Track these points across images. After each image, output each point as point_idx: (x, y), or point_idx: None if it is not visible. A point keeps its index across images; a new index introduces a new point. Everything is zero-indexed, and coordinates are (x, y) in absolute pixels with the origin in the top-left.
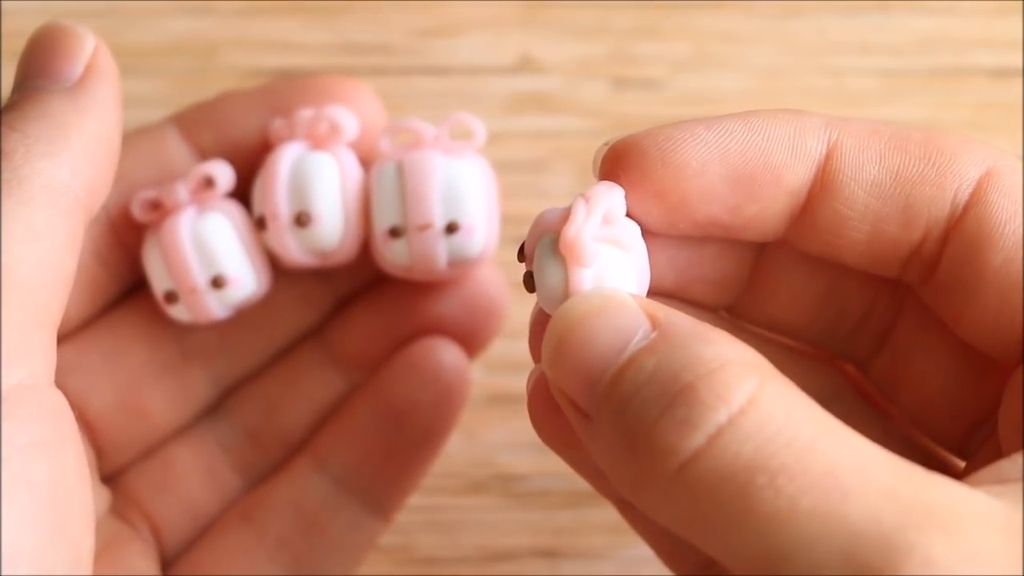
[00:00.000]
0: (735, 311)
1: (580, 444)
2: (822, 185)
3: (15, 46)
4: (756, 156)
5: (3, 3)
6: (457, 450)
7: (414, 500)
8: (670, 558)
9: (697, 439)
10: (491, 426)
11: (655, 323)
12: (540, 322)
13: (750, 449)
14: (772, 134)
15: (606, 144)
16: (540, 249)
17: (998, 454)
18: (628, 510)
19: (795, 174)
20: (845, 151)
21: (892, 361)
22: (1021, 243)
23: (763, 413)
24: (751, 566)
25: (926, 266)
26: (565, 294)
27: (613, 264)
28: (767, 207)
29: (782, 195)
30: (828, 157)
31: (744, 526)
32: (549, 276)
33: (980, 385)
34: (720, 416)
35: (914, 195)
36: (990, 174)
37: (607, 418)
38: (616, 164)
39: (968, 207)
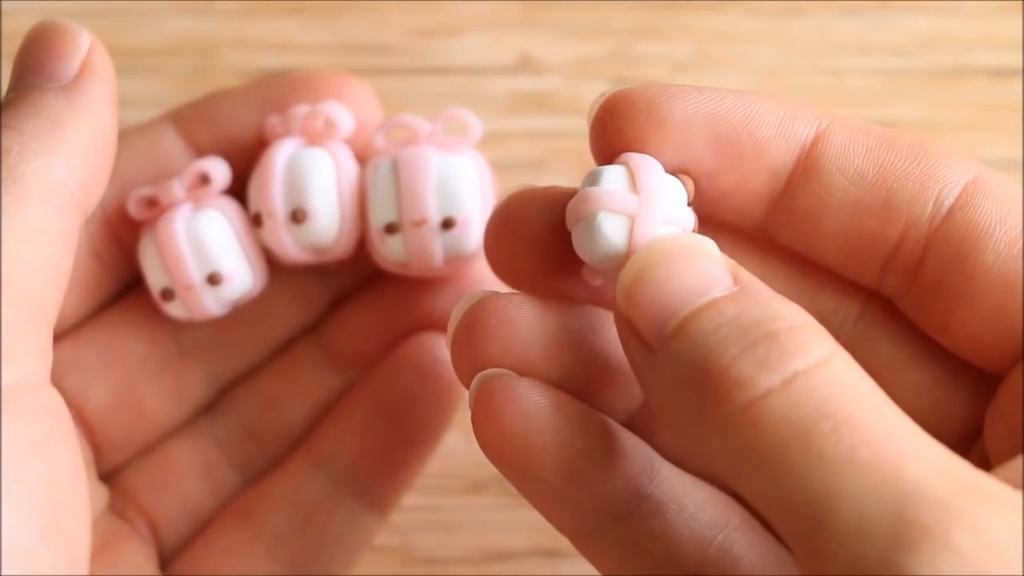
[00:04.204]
0: None
1: (529, 459)
2: (804, 169)
3: (14, 46)
4: (741, 126)
5: (3, 3)
6: (457, 450)
7: (414, 500)
8: None
9: (772, 379)
10: None
11: (737, 280)
12: (464, 330)
13: (820, 398)
14: (762, 111)
15: (602, 95)
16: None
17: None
18: (586, 544)
19: (778, 152)
20: (832, 139)
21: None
22: (1013, 245)
23: (837, 371)
24: (796, 511)
25: (906, 271)
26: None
27: None
28: (745, 182)
29: (762, 171)
30: (814, 143)
31: (799, 467)
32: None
33: (961, 401)
34: (798, 363)
35: (896, 190)
36: (977, 181)
37: (676, 350)
38: (607, 111)
39: (953, 210)
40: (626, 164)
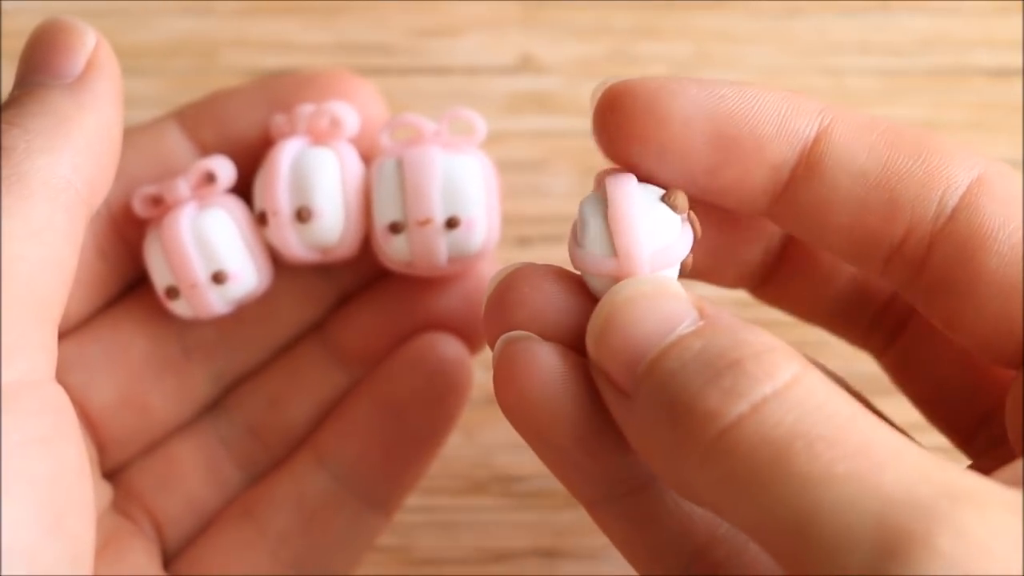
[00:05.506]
0: (758, 294)
1: (546, 424)
2: (807, 166)
3: (15, 46)
4: (742, 122)
5: (3, 3)
6: (457, 450)
7: (414, 500)
8: (644, 565)
9: (741, 406)
10: (491, 426)
11: (703, 314)
12: (498, 295)
13: (791, 419)
14: (763, 106)
15: (604, 83)
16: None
17: (1007, 457)
18: (598, 512)
19: (779, 149)
20: (835, 137)
21: (904, 349)
22: (1016, 248)
23: (806, 390)
24: (780, 531)
25: (910, 268)
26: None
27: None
28: (746, 176)
29: (763, 167)
30: (817, 140)
31: (778, 487)
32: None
33: (987, 378)
34: (765, 388)
35: (900, 190)
36: (981, 180)
37: (648, 392)
38: (607, 104)
39: (957, 211)
40: (603, 202)
